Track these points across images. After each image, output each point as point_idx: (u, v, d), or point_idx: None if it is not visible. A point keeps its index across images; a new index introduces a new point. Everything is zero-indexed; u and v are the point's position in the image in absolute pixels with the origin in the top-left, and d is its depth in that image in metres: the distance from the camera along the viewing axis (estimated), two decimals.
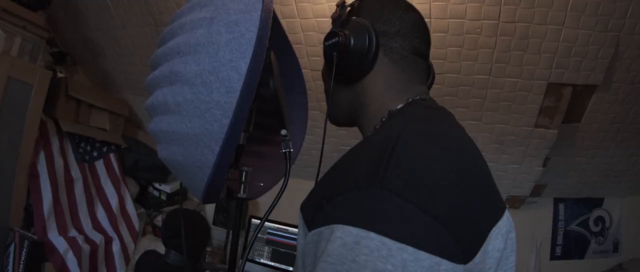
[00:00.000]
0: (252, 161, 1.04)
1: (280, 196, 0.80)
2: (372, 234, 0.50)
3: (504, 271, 0.66)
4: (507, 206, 0.76)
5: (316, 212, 0.60)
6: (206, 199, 0.78)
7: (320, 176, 0.76)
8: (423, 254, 0.50)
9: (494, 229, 0.63)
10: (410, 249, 0.49)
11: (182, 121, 0.72)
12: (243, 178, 0.97)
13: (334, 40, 0.77)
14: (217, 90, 0.68)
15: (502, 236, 0.65)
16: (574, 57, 1.87)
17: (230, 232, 3.04)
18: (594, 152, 2.37)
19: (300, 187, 2.81)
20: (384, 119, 0.75)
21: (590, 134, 2.26)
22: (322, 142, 0.85)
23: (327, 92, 0.84)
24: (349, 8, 0.83)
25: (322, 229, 0.55)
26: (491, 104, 2.15)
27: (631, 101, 2.07)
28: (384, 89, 0.78)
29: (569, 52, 1.86)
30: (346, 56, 0.77)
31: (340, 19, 0.82)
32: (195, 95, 0.70)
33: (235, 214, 0.97)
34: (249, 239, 2.90)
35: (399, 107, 0.75)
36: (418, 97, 0.77)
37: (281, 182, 0.82)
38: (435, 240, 0.51)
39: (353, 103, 0.82)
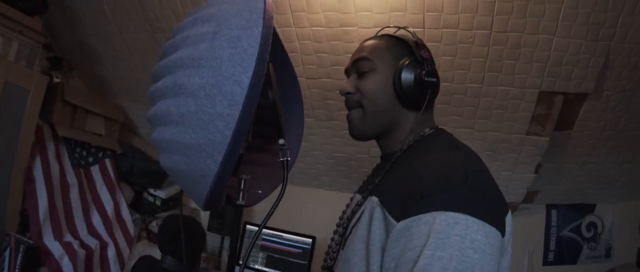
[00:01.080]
0: (250, 168, 1.05)
1: (278, 203, 0.83)
2: (468, 216, 0.73)
3: (508, 251, 0.86)
4: None
5: (406, 206, 0.79)
6: (207, 207, 0.80)
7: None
8: (494, 229, 0.76)
9: (506, 217, 0.85)
10: (487, 225, 0.74)
11: (186, 132, 0.74)
12: (242, 186, 0.99)
13: (433, 80, 0.95)
14: (220, 103, 0.70)
15: (510, 224, 0.86)
16: (565, 66, 1.90)
17: (225, 238, 3.05)
18: (586, 159, 2.40)
19: (295, 194, 2.83)
20: (416, 139, 0.98)
21: (581, 141, 2.28)
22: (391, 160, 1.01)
23: (381, 110, 1.00)
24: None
25: (421, 216, 0.75)
26: (484, 112, 2.18)
27: (622, 109, 2.11)
28: (420, 118, 0.99)
29: (560, 61, 1.89)
30: (426, 89, 0.96)
31: (423, 59, 0.97)
32: (199, 107, 0.72)
33: (234, 221, 0.99)
34: (243, 245, 2.91)
35: (427, 131, 0.99)
36: (438, 126, 1.03)
37: (278, 189, 0.85)
38: (497, 221, 0.78)
39: (390, 122, 1.01)
